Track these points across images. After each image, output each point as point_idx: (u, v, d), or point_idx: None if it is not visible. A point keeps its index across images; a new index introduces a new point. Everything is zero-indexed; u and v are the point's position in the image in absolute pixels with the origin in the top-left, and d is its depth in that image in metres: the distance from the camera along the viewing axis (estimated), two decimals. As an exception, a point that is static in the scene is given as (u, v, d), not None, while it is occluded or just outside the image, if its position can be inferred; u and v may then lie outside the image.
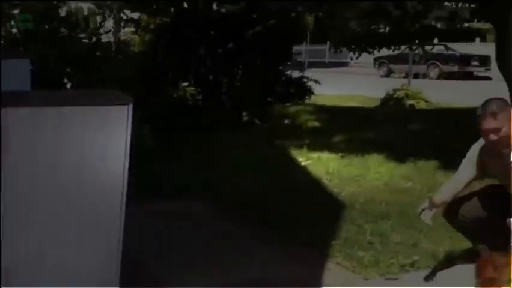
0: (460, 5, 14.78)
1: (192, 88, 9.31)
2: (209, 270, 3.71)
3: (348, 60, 25.88)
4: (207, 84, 9.38)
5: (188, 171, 6.09)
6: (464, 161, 3.69)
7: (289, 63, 12.00)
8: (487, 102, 3.43)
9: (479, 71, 25.90)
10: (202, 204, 5.17)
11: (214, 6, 10.98)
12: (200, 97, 9.26)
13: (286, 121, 9.13)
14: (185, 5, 10.55)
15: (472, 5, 11.81)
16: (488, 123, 3.37)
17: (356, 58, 17.21)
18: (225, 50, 9.71)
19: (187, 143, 7.46)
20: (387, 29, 14.43)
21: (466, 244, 3.89)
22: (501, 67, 9.14)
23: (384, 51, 22.01)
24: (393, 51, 16.06)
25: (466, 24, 22.86)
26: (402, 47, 16.20)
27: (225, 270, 3.73)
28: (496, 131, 3.36)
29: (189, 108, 8.74)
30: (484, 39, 28.98)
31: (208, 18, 10.18)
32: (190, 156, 6.83)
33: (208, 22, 10.00)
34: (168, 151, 6.97)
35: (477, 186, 3.89)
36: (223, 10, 11.24)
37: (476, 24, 27.48)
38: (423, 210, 3.66)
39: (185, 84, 9.33)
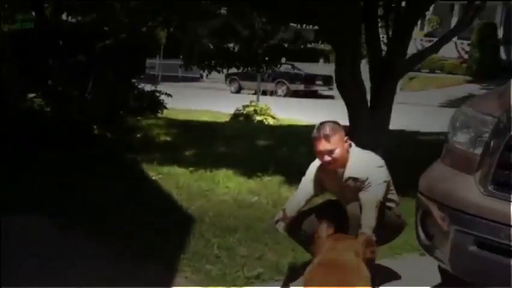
0: (304, 26, 15.59)
1: (40, 99, 8.98)
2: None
3: (201, 75, 26.18)
4: (56, 96, 9.09)
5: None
6: (304, 178, 3.96)
7: (142, 76, 11.95)
8: (321, 125, 3.72)
9: (323, 90, 27.34)
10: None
11: (64, 16, 10.70)
12: (49, 109, 8.94)
13: (138, 135, 9.08)
14: (33, 13, 10.17)
15: (315, 27, 12.52)
16: (323, 145, 3.66)
17: (207, 76, 17.52)
18: (76, 62, 9.48)
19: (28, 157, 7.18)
20: (237, 48, 14.82)
21: (308, 256, 4.15)
22: (338, 87, 9.79)
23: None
24: (242, 70, 16.54)
25: (310, 45, 24.02)
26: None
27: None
28: (330, 152, 3.65)
29: (36, 120, 8.41)
30: (327, 59, 30.65)
31: (57, 28, 9.89)
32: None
33: (57, 32, 9.71)
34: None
35: (318, 201, 4.18)
36: (73, 21, 10.98)
37: (320, 46, 28.97)
38: (277, 221, 3.86)
39: (32, 95, 8.97)
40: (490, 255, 2.87)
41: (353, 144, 3.84)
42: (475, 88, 26.29)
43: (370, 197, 3.64)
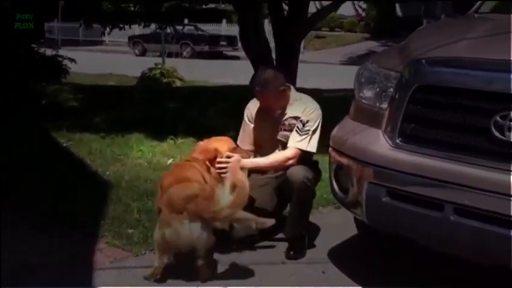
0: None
1: None
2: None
3: (103, 38, 25.53)
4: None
5: None
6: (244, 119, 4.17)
7: (42, 40, 11.51)
8: (257, 73, 3.98)
9: (228, 51, 27.38)
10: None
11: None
12: None
13: (43, 101, 8.80)
14: None
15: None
16: (260, 94, 3.94)
17: (109, 34, 17.08)
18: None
19: None
20: (138, 7, 14.56)
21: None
22: (244, 46, 9.90)
23: (138, 30, 22.15)
24: (143, 28, 16.30)
25: (212, 5, 23.91)
26: (153, 25, 16.54)
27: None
28: (267, 99, 3.95)
29: None
30: (230, 20, 30.65)
31: None
32: None
33: None
34: None
35: None
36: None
37: (221, 6, 28.90)
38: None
39: None
40: (402, 205, 3.05)
41: (292, 87, 3.98)
42: (373, 45, 27.16)
43: (299, 144, 3.84)
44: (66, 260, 3.67)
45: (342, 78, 14.97)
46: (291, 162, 3.84)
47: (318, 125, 3.92)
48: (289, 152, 3.86)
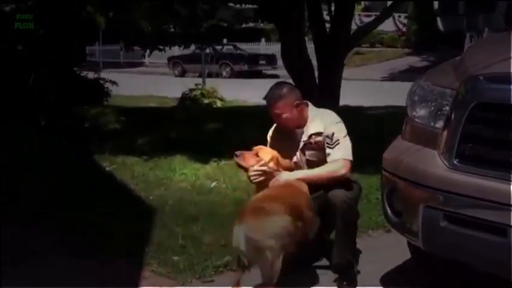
0: (244, 5, 15.54)
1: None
2: None
3: (143, 60, 25.84)
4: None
5: None
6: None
7: (83, 64, 11.66)
8: (272, 87, 3.84)
9: (267, 70, 27.37)
10: None
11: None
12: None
13: (86, 124, 8.86)
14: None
15: (255, 6, 12.48)
16: (274, 107, 3.75)
17: (149, 56, 17.21)
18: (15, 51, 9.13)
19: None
20: (177, 28, 14.67)
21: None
22: (286, 65, 9.80)
23: (177, 51, 22.33)
24: (183, 49, 16.39)
25: (251, 25, 23.98)
26: (193, 46, 16.64)
27: None
28: (281, 114, 3.75)
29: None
30: (269, 38, 30.71)
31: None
32: None
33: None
34: None
35: None
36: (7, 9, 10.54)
37: (260, 25, 29.00)
38: None
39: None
40: (461, 229, 2.89)
41: (310, 104, 3.83)
42: (414, 60, 26.83)
43: (339, 156, 3.64)
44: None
45: (384, 95, 14.84)
46: (343, 171, 3.65)
47: (345, 134, 3.73)
48: (332, 164, 3.67)
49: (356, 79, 21.63)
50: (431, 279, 3.77)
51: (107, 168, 6.62)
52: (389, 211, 3.40)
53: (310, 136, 3.76)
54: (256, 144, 3.79)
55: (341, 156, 3.64)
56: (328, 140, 3.68)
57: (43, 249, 4.19)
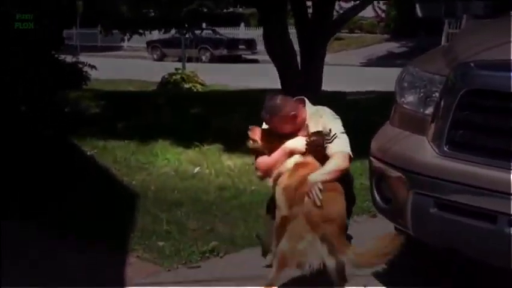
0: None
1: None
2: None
3: (121, 44, 25.56)
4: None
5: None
6: None
7: (61, 47, 11.43)
8: (267, 103, 3.66)
9: (247, 54, 27.25)
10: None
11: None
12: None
13: (66, 109, 8.72)
14: None
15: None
16: (276, 123, 3.64)
17: (128, 40, 17.01)
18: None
19: None
20: (157, 13, 14.53)
21: (260, 224, 4.11)
22: (268, 50, 9.73)
23: (156, 35, 22.11)
24: (164, 33, 16.26)
25: (230, 9, 23.81)
26: (173, 31, 16.49)
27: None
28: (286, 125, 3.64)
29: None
30: (248, 23, 30.56)
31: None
32: None
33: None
34: None
35: None
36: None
37: (239, 10, 28.83)
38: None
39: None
40: (450, 216, 2.88)
41: (307, 101, 3.78)
42: (393, 46, 26.90)
43: (339, 149, 3.58)
44: (96, 276, 3.53)
45: (364, 80, 14.86)
46: (345, 165, 3.56)
47: (343, 130, 3.68)
48: (335, 158, 3.61)
49: (336, 64, 21.61)
50: (419, 264, 3.78)
51: (89, 153, 6.53)
52: (377, 197, 3.38)
53: (312, 135, 3.71)
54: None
55: (340, 150, 3.60)
56: (327, 137, 3.64)
57: (26, 239, 4.11)
